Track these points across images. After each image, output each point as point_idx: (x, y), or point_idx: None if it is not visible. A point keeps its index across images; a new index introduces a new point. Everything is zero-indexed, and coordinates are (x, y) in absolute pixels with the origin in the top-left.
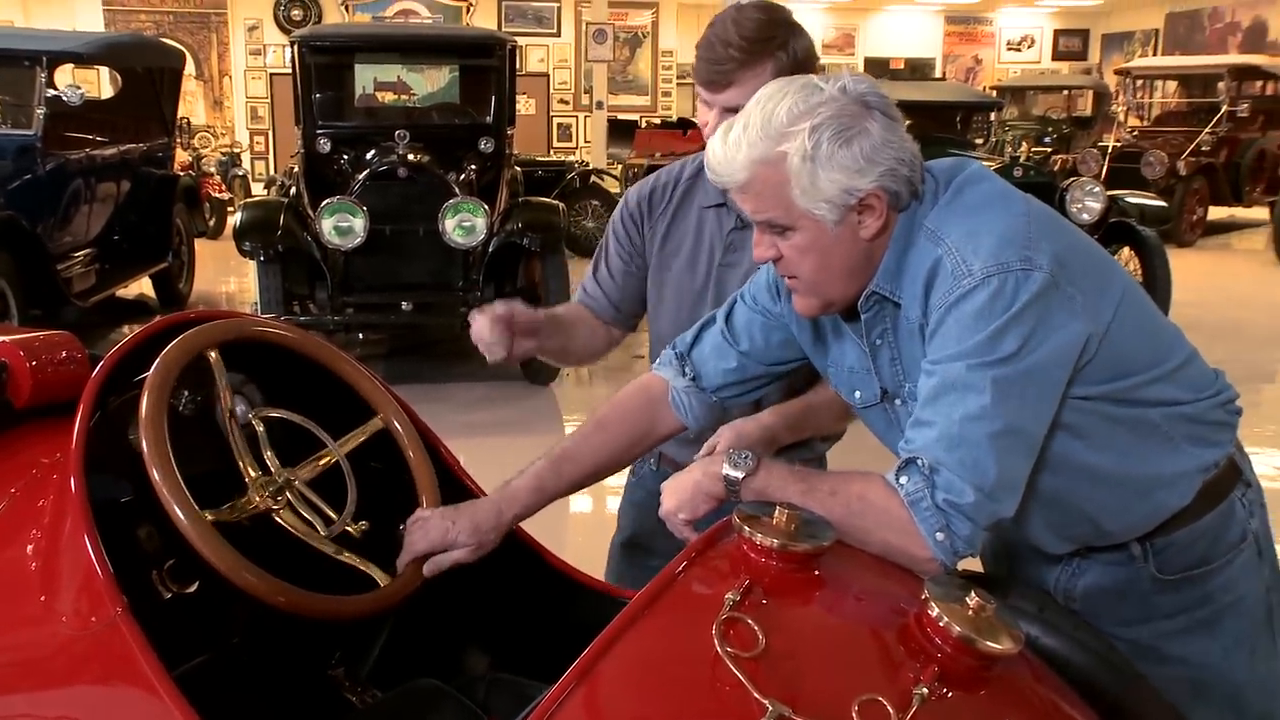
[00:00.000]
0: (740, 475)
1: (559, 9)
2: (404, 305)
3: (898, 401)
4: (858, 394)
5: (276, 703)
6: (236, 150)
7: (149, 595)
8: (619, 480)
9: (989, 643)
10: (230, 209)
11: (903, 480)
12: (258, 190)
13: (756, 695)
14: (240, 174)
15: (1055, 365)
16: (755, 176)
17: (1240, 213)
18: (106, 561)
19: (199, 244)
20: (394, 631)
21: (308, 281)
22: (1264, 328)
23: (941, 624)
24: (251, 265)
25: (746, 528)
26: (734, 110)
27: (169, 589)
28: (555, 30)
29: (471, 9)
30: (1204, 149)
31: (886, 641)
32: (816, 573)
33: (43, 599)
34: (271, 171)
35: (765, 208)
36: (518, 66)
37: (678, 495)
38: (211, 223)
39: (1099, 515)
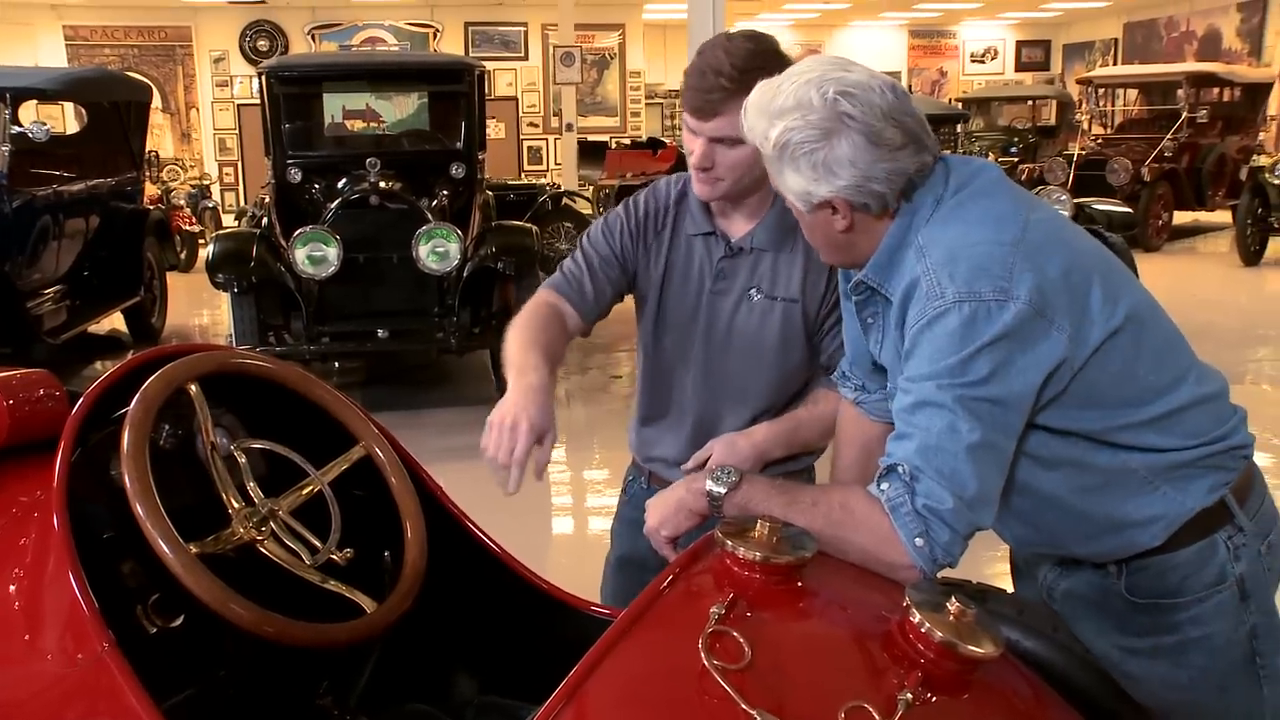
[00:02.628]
0: (723, 491)
1: (526, 33)
2: (380, 333)
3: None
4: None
5: None
6: (206, 182)
7: (135, 630)
8: (606, 500)
9: (971, 647)
10: (201, 241)
11: (884, 487)
12: (228, 222)
13: (744, 706)
14: (210, 206)
15: (1026, 388)
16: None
17: (1204, 216)
18: (91, 597)
19: (171, 277)
20: (382, 658)
21: (282, 312)
22: (1232, 330)
23: (924, 630)
24: (225, 297)
25: (729, 542)
26: (720, 140)
27: (154, 623)
28: (523, 54)
29: (438, 35)
30: (1166, 155)
31: (870, 649)
32: (799, 584)
33: (27, 638)
34: (242, 203)
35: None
36: (486, 91)
37: (661, 512)
38: (183, 255)
39: (1064, 540)
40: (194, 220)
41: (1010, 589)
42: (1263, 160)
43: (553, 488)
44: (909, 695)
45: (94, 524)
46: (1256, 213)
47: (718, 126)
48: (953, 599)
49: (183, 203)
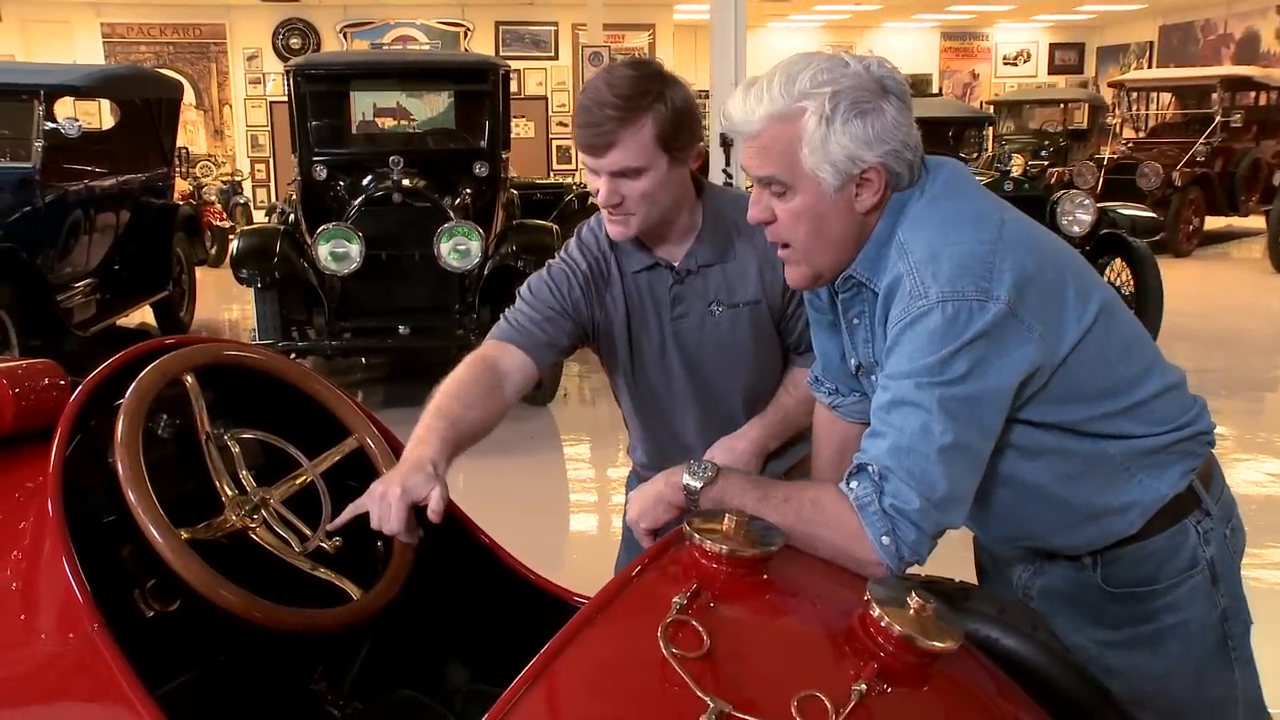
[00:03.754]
0: (699, 485)
1: (556, 32)
2: (401, 329)
3: (873, 377)
4: (850, 360)
5: (260, 718)
6: (237, 178)
7: (131, 614)
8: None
9: (930, 641)
10: (232, 237)
11: (853, 485)
12: (259, 217)
13: (699, 694)
14: (242, 202)
15: (1002, 389)
16: (768, 130)
17: (1236, 222)
18: (84, 579)
19: (201, 272)
20: (374, 646)
21: (305, 307)
22: (1263, 336)
23: (883, 624)
24: (252, 293)
25: (697, 534)
26: (620, 174)
27: (151, 608)
28: (553, 53)
29: (469, 34)
30: (1199, 159)
31: (830, 642)
32: (765, 577)
33: (23, 618)
34: (273, 199)
35: (769, 163)
36: (515, 90)
37: (640, 504)
38: (213, 251)
39: (1045, 531)
40: (225, 216)
41: None
42: None
43: (570, 484)
44: (863, 685)
45: (93, 509)
46: None
47: (614, 160)
48: (913, 594)
49: (214, 198)
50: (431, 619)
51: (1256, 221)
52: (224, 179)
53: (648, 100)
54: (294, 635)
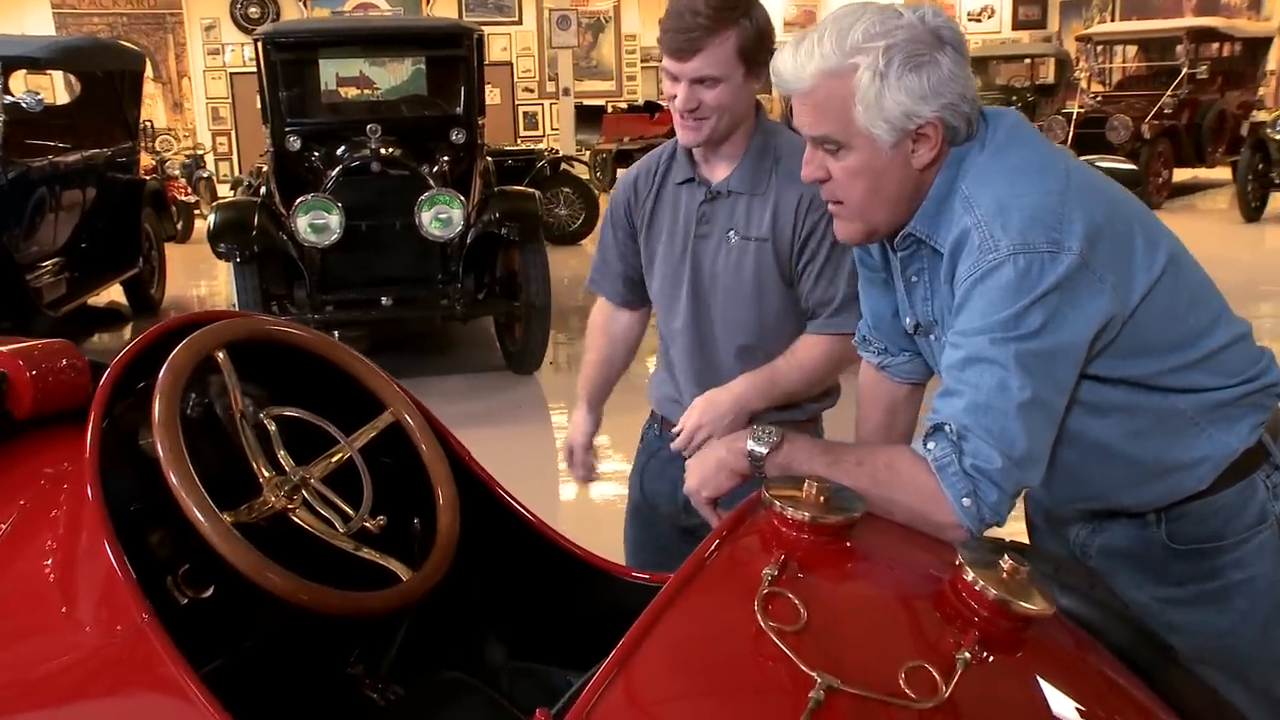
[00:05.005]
0: (765, 450)
1: None
2: (384, 300)
3: (931, 336)
4: (906, 319)
5: (296, 705)
6: (200, 152)
7: (165, 601)
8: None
9: (1025, 604)
10: (197, 212)
11: (930, 446)
12: (223, 192)
13: (804, 668)
14: (205, 176)
15: (1077, 343)
16: (820, 87)
17: (1204, 173)
18: (129, 569)
19: (168, 248)
20: (411, 626)
21: (285, 281)
22: (1235, 286)
23: (977, 588)
24: (223, 267)
25: (777, 502)
26: (700, 81)
27: (184, 594)
28: (517, 18)
29: (431, 0)
30: (1166, 112)
31: (924, 609)
32: (848, 544)
33: (64, 610)
34: (237, 172)
35: (823, 121)
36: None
37: (701, 472)
38: (179, 226)
39: (1111, 490)
40: (189, 190)
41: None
42: (1263, 116)
43: (560, 453)
44: (966, 654)
45: (120, 496)
46: (1257, 169)
47: (697, 66)
48: (1005, 557)
49: (177, 173)
50: (469, 595)
51: (1223, 173)
52: (186, 153)
53: (735, 14)
54: (337, 619)
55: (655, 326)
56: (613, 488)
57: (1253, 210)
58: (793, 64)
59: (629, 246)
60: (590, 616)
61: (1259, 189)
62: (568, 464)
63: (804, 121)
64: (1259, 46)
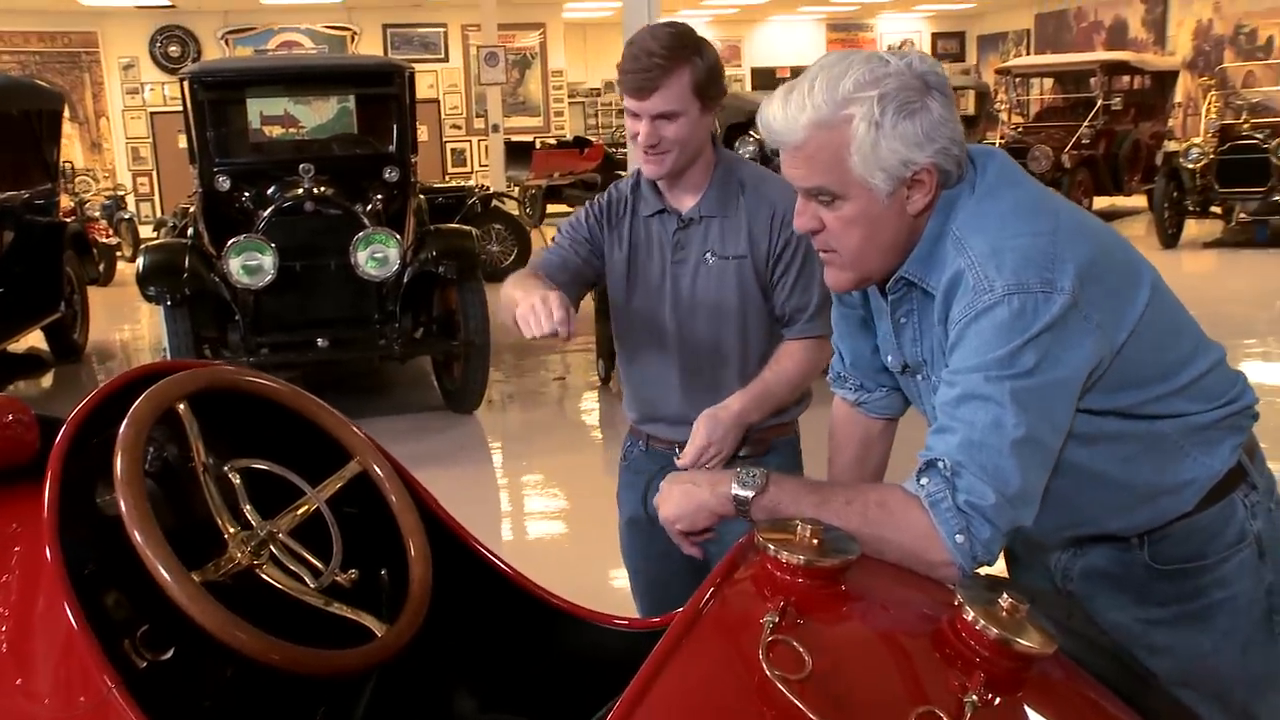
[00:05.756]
0: (751, 494)
1: (446, 34)
2: (320, 341)
3: (919, 376)
4: (889, 358)
5: None
6: (121, 193)
7: (124, 666)
8: (549, 503)
9: (1026, 643)
10: (119, 254)
11: (924, 482)
12: (146, 233)
13: (814, 717)
14: (126, 217)
15: (1070, 381)
16: (813, 139)
17: (1121, 201)
18: (92, 635)
19: (90, 292)
20: (379, 679)
21: (216, 323)
22: None
23: (978, 628)
24: (148, 310)
25: (771, 546)
26: (662, 116)
27: (143, 657)
28: (443, 55)
29: (356, 38)
30: (1084, 142)
31: (926, 651)
32: (843, 587)
33: (19, 681)
34: (160, 213)
35: (817, 173)
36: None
37: (678, 508)
38: (101, 269)
39: (1101, 516)
40: (111, 232)
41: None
42: (1174, 146)
43: (502, 492)
44: (974, 697)
45: (74, 557)
46: (1172, 196)
47: (656, 104)
48: (1004, 594)
49: (97, 214)
50: (439, 646)
51: (1140, 201)
52: (106, 194)
53: (687, 53)
54: (309, 678)
55: (621, 349)
56: (556, 525)
57: (1169, 237)
58: (784, 116)
59: (584, 248)
60: (565, 664)
61: (1174, 216)
62: (528, 321)
63: (796, 174)
64: (1167, 79)
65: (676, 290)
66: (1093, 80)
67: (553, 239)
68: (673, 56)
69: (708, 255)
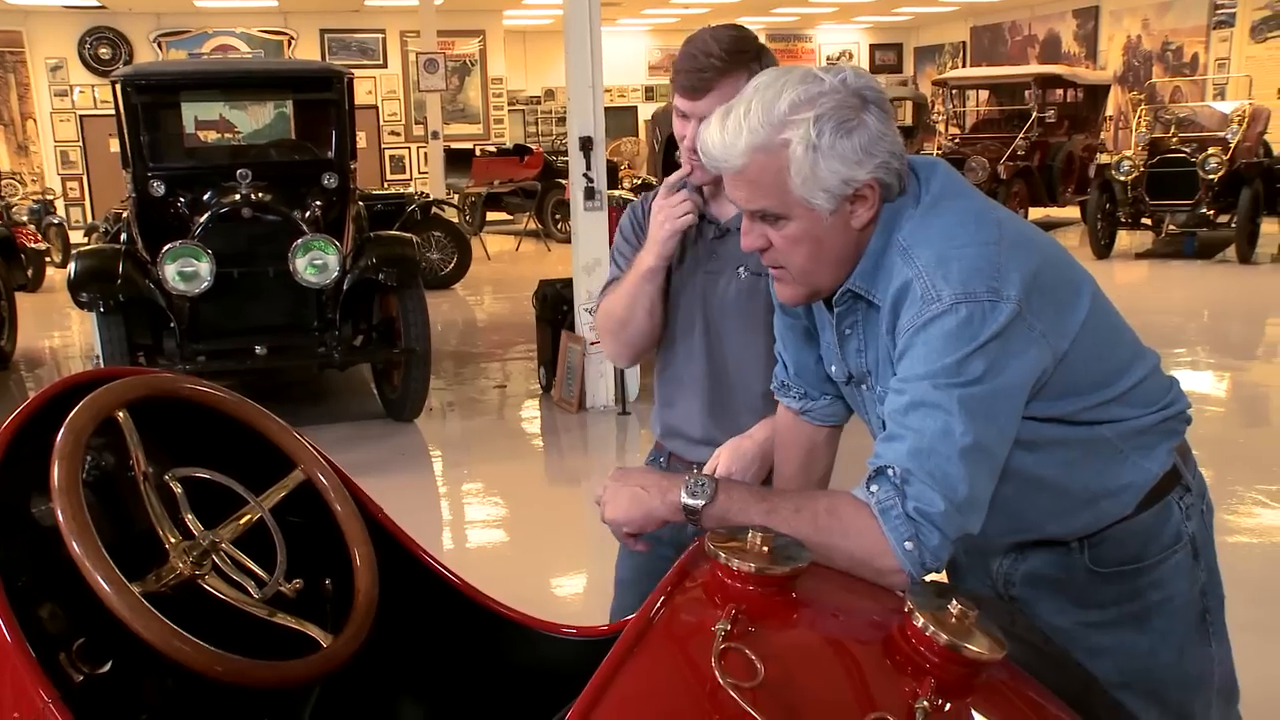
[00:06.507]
0: (700, 504)
1: (384, 40)
2: (258, 349)
3: (864, 386)
4: (834, 368)
5: None
6: (49, 197)
7: (60, 680)
8: (488, 511)
9: (975, 649)
10: (48, 259)
11: (873, 489)
12: (76, 238)
13: None
14: (56, 222)
15: (1017, 389)
16: (753, 163)
17: (1055, 212)
18: (28, 648)
19: (18, 298)
20: (323, 690)
21: (151, 331)
22: None
23: (928, 634)
24: (78, 317)
25: (721, 554)
26: None
27: (80, 670)
28: (382, 62)
29: (293, 43)
30: (1020, 153)
31: (877, 658)
32: (794, 594)
33: None
34: (90, 218)
35: (759, 196)
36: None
37: (625, 513)
38: (30, 275)
39: (1043, 521)
40: (39, 237)
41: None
42: (1106, 158)
43: (443, 500)
44: (925, 704)
45: (7, 569)
46: (1105, 208)
47: (709, 105)
48: (954, 600)
49: (25, 219)
50: (385, 657)
51: (1073, 212)
52: (34, 198)
53: (747, 58)
54: (253, 690)
55: (660, 361)
56: (497, 533)
57: (1102, 247)
58: (721, 141)
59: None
60: (513, 674)
61: (1107, 227)
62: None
63: (739, 196)
64: (1099, 93)
65: (708, 300)
66: (1027, 93)
67: (611, 269)
68: (731, 60)
69: (740, 270)
